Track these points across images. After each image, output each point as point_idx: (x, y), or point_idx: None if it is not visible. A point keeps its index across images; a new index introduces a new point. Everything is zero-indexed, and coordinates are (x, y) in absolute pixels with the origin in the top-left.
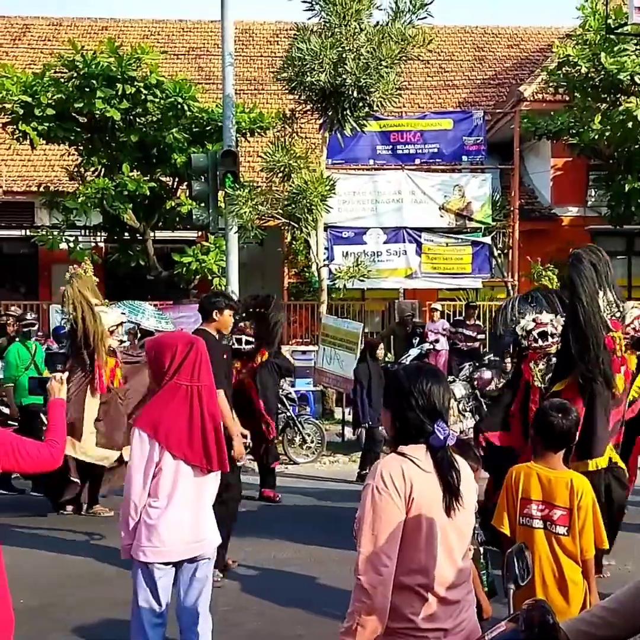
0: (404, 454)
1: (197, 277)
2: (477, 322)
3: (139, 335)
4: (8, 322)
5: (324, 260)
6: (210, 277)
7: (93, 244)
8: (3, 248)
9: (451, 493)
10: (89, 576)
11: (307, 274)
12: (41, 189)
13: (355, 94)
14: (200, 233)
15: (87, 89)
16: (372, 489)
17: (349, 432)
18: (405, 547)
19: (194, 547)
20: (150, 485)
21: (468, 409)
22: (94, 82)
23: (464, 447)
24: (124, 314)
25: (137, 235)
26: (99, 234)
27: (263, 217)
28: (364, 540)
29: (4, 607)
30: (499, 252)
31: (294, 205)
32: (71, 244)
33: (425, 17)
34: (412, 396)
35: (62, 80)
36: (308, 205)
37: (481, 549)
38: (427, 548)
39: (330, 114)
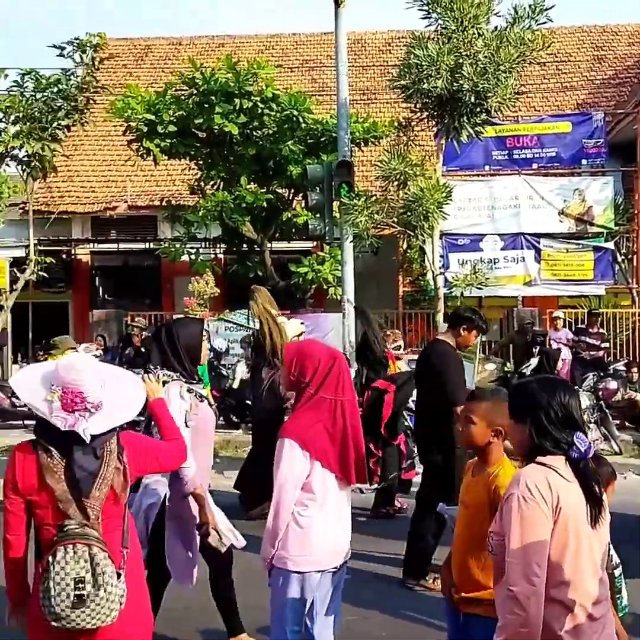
0: (545, 464)
1: (313, 286)
2: (601, 330)
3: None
4: (134, 332)
5: (440, 268)
6: (325, 287)
7: (213, 256)
8: (128, 261)
9: (596, 503)
10: None
11: (422, 282)
12: (163, 203)
13: (472, 99)
14: (315, 243)
15: (206, 105)
16: (518, 498)
17: None
18: (553, 559)
19: (340, 555)
20: (299, 495)
21: (592, 421)
22: (213, 98)
23: (597, 459)
24: (303, 323)
25: (255, 246)
26: (218, 245)
27: (378, 226)
28: (513, 551)
29: (144, 609)
30: (623, 257)
31: (409, 213)
32: (192, 256)
33: (544, 22)
34: (551, 409)
35: (182, 97)
36: (424, 212)
37: (616, 571)
38: (575, 560)
39: (446, 121)
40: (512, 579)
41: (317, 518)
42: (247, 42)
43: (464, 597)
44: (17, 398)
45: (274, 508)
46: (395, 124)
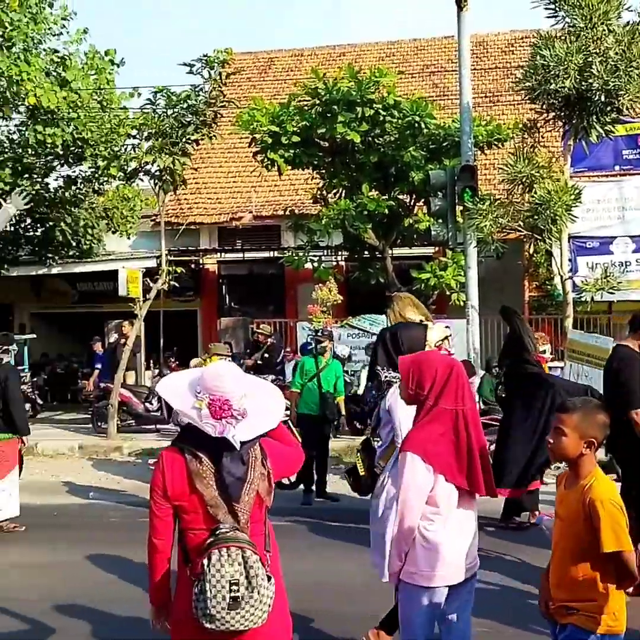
0: None
1: (436, 292)
2: None
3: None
4: (258, 338)
5: (568, 273)
6: (448, 293)
7: (334, 263)
8: (253, 269)
9: None
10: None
11: (549, 286)
12: (287, 212)
13: (602, 98)
14: (437, 249)
15: (329, 115)
16: None
17: None
18: None
19: (469, 568)
20: (424, 510)
21: None
22: (335, 107)
23: None
24: (448, 327)
25: (377, 253)
26: (340, 253)
27: (503, 230)
28: None
29: (284, 611)
30: None
31: (536, 217)
32: (315, 264)
33: None
34: None
35: (305, 108)
36: (552, 215)
37: None
38: None
39: (574, 121)
40: None
41: (443, 532)
42: (368, 50)
43: (561, 607)
44: (151, 403)
45: (399, 523)
46: (520, 126)
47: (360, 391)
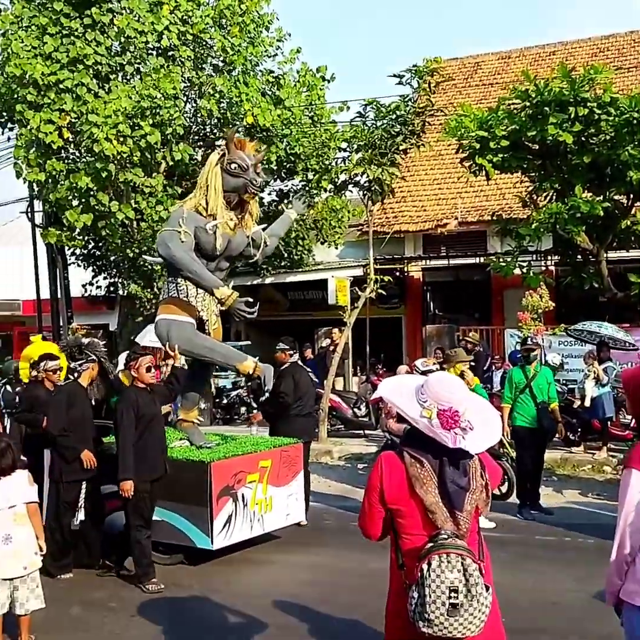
0: None
1: None
2: None
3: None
4: (466, 346)
5: None
6: None
7: (544, 268)
8: (458, 276)
9: None
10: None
11: None
12: (494, 217)
13: None
14: None
15: (540, 117)
16: None
17: None
18: None
19: None
20: None
21: None
22: (547, 108)
23: None
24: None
25: (590, 256)
26: (550, 257)
27: None
28: None
29: (499, 622)
30: None
31: None
32: (524, 270)
33: None
34: None
35: (515, 111)
36: None
37: None
38: None
39: None
40: None
41: None
42: (580, 47)
43: None
44: (359, 408)
45: (619, 539)
46: None
47: (588, 403)
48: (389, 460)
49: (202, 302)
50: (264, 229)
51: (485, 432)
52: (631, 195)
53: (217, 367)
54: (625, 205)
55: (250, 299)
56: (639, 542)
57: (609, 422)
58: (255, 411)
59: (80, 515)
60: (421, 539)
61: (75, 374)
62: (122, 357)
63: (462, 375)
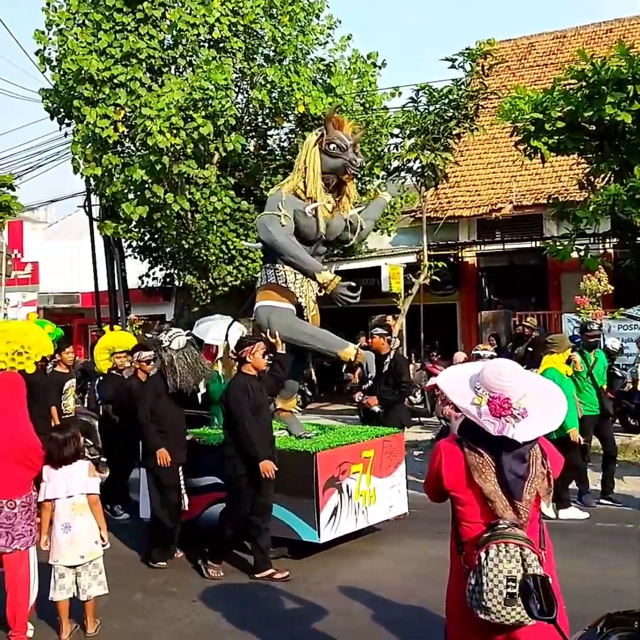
0: None
1: None
2: None
3: None
4: (523, 331)
5: None
6: None
7: (602, 251)
8: (513, 261)
9: None
10: None
11: None
12: (550, 201)
13: None
14: None
15: (597, 97)
16: None
17: None
18: None
19: None
20: None
21: None
22: (604, 88)
23: None
24: None
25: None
26: (608, 240)
27: None
28: None
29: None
30: None
31: None
32: (582, 253)
33: None
34: None
35: (571, 91)
36: None
37: None
38: None
39: None
40: None
41: None
42: (638, 23)
43: None
44: (414, 396)
45: None
46: None
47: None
48: (448, 449)
49: (300, 288)
50: (359, 213)
51: (542, 420)
52: None
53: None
54: None
55: (353, 283)
56: None
57: None
58: (367, 397)
59: (186, 499)
60: (480, 527)
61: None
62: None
63: (569, 361)
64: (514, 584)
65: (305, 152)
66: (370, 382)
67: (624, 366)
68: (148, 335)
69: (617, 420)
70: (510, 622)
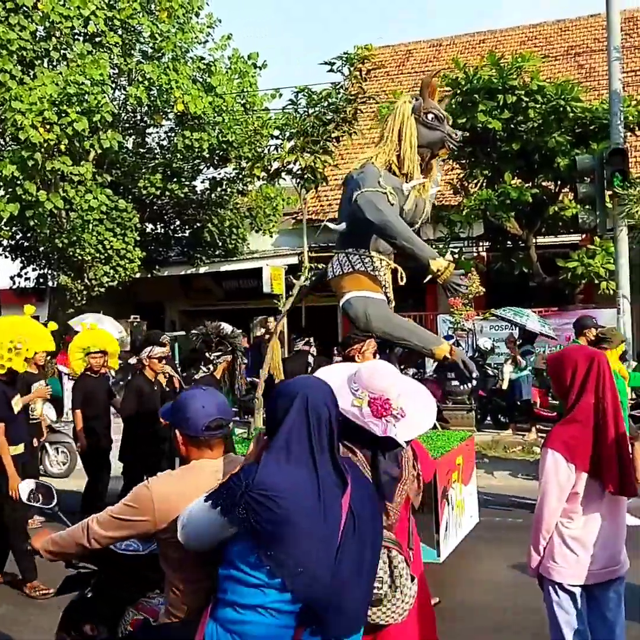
0: None
1: (583, 281)
2: None
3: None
4: None
5: None
6: (596, 281)
7: (475, 254)
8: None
9: None
10: None
11: None
12: None
13: None
14: (583, 236)
15: (470, 104)
16: None
17: None
18: None
19: (610, 571)
20: (565, 507)
21: None
22: (476, 96)
23: None
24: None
25: (520, 242)
26: (481, 243)
27: None
28: None
29: (427, 607)
30: None
31: None
32: (456, 255)
33: None
34: None
35: (445, 98)
36: None
37: None
38: None
39: None
40: None
41: (581, 531)
42: (509, 35)
43: None
44: None
45: (536, 518)
46: None
47: (505, 386)
48: None
49: (384, 277)
50: None
51: (418, 419)
52: (559, 182)
53: None
54: (553, 191)
55: (463, 270)
56: (554, 523)
57: (536, 404)
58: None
59: None
60: None
61: (211, 367)
62: None
63: (623, 356)
64: (380, 585)
65: (401, 122)
66: (474, 382)
67: (495, 365)
68: (202, 326)
69: (489, 418)
70: (376, 621)
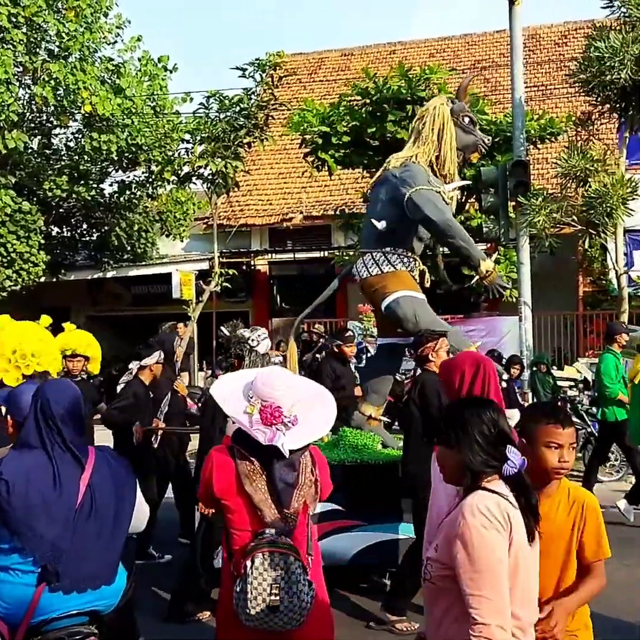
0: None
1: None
2: None
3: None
4: (312, 338)
5: (624, 267)
6: None
7: None
8: (304, 269)
9: (533, 515)
10: None
11: (604, 281)
12: (337, 212)
13: None
14: (488, 245)
15: (379, 114)
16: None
17: None
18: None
19: None
20: None
21: None
22: (386, 106)
23: None
24: None
25: (427, 250)
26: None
27: (557, 225)
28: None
29: (325, 611)
30: None
31: (591, 211)
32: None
33: None
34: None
35: (356, 107)
36: (607, 209)
37: None
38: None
39: (630, 112)
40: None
41: None
42: (418, 47)
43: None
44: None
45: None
46: (574, 119)
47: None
48: (219, 457)
49: (415, 278)
50: None
51: (313, 426)
52: (465, 192)
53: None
54: (459, 201)
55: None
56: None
57: None
58: None
59: None
60: (249, 535)
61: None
62: None
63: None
64: (277, 592)
65: (441, 123)
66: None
67: (403, 371)
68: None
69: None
70: (273, 627)
